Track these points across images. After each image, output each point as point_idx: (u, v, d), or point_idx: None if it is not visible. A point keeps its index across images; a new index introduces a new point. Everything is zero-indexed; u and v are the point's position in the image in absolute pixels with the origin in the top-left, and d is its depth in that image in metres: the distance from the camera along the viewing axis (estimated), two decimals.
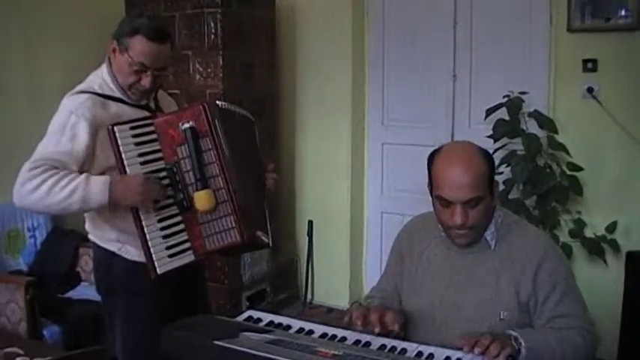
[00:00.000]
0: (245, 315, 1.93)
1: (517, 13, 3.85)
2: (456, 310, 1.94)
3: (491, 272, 1.94)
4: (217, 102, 2.30)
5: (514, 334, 1.79)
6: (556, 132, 3.43)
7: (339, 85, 4.37)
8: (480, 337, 1.73)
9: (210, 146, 2.20)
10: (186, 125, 2.18)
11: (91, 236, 2.32)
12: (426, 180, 1.98)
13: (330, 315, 4.44)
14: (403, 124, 4.33)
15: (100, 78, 2.26)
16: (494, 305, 1.91)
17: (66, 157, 2.08)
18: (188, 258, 2.21)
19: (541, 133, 3.53)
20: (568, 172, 3.40)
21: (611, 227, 3.49)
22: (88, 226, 2.32)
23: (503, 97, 3.59)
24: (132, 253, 2.24)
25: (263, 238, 2.34)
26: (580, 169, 3.41)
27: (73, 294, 3.60)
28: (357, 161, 4.47)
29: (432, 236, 2.07)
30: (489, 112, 3.65)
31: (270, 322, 1.87)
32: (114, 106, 2.22)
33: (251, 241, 2.25)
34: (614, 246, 3.46)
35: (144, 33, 2.17)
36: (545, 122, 3.42)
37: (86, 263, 3.75)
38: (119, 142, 2.11)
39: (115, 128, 2.11)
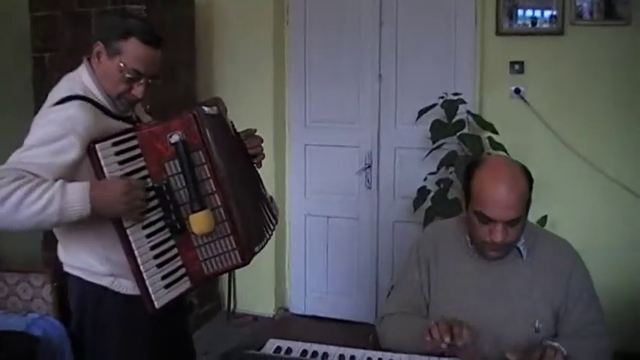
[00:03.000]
0: (272, 346, 1.78)
1: (442, 15, 3.89)
2: (490, 324, 1.92)
3: (525, 283, 1.94)
4: (204, 107, 2.07)
5: (555, 345, 1.79)
6: (496, 132, 3.51)
7: (260, 85, 4.19)
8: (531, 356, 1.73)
9: (203, 160, 1.98)
10: (176, 137, 1.93)
11: (70, 269, 2.01)
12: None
13: (256, 323, 4.28)
14: (327, 124, 4.25)
15: (80, 84, 1.94)
16: (530, 316, 1.92)
17: (41, 169, 1.77)
18: (185, 286, 1.99)
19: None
20: None
21: (542, 222, 3.63)
22: (66, 258, 2.00)
23: (439, 97, 3.63)
24: (126, 286, 1.97)
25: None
26: None
27: None
28: (279, 163, 4.33)
29: (456, 246, 2.03)
30: (422, 112, 3.68)
31: (305, 352, 1.75)
32: (102, 117, 1.92)
33: (250, 260, 2.07)
34: None
35: (138, 35, 1.91)
36: (487, 123, 3.49)
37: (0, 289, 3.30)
38: (102, 162, 1.84)
39: (97, 146, 1.83)
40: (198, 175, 1.96)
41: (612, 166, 3.60)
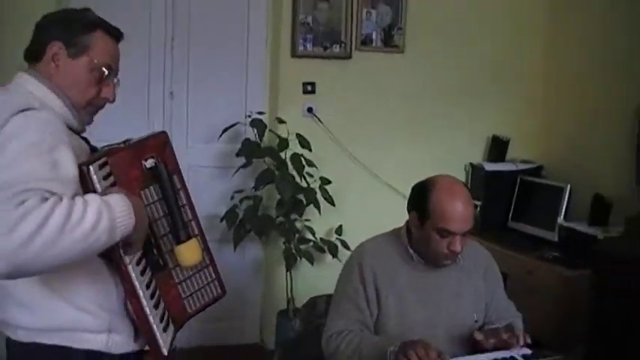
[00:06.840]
0: None
1: (236, 34, 3.97)
2: (439, 323, 2.15)
3: (461, 284, 2.21)
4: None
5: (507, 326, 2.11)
6: (310, 150, 3.70)
7: None
8: (502, 335, 2.00)
9: (179, 185, 1.83)
10: (152, 162, 1.73)
11: (41, 337, 1.54)
12: None
13: None
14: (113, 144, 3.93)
15: (32, 97, 1.54)
16: (471, 312, 2.20)
17: (55, 184, 1.37)
18: (172, 330, 1.75)
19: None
20: (324, 186, 3.72)
21: (339, 231, 3.95)
22: (37, 322, 1.53)
23: (246, 116, 3.71)
24: (120, 344, 1.62)
25: None
26: (329, 182, 3.77)
27: None
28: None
29: (397, 260, 2.19)
30: (225, 130, 3.72)
31: None
32: (72, 136, 1.59)
33: None
34: (345, 245, 3.86)
35: (104, 28, 1.67)
36: (306, 141, 3.66)
37: None
38: (97, 186, 1.54)
39: (91, 168, 1.53)
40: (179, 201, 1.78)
41: (392, 176, 4.08)
